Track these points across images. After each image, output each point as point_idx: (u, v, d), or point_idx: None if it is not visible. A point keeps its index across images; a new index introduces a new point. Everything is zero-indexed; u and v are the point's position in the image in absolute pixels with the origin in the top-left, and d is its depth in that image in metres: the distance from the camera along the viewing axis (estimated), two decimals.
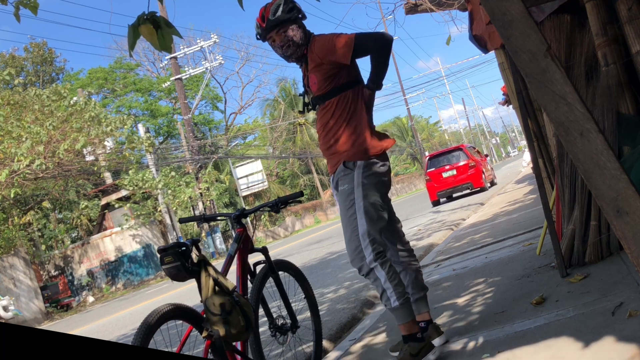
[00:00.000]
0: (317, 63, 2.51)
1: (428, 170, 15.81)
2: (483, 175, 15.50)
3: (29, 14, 3.08)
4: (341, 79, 2.53)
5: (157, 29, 2.23)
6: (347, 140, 2.50)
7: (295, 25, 2.57)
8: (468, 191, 15.89)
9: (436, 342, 2.53)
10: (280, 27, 2.55)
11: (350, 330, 3.62)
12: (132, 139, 19.91)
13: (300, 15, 2.60)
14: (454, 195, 16.18)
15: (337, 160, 2.53)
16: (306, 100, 2.68)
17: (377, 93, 2.67)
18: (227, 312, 2.23)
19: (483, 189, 15.38)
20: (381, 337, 3.04)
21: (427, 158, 16.96)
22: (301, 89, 2.80)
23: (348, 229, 2.44)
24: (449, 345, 2.52)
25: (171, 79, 24.89)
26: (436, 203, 15.49)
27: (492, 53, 4.40)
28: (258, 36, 2.64)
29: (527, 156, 17.33)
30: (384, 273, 2.37)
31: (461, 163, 15.43)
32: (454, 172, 15.35)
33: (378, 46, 2.44)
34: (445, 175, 15.42)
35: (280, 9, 2.54)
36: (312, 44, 2.54)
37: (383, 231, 2.50)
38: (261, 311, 2.62)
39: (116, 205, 21.46)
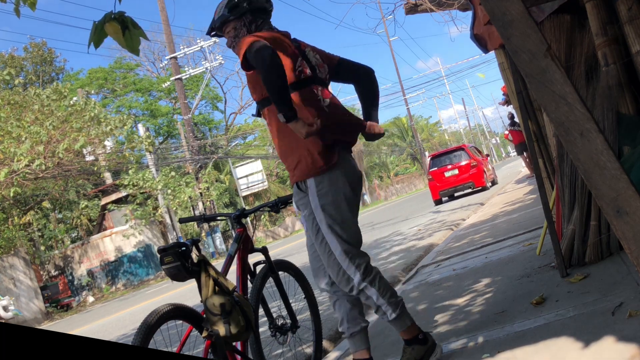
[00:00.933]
0: None
1: (430, 170, 16.04)
2: (484, 175, 15.73)
3: (29, 12, 3.08)
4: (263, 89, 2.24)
5: (124, 30, 2.19)
6: (291, 156, 2.24)
7: (235, 24, 2.37)
8: (470, 190, 16.04)
9: None
10: (225, 25, 2.40)
11: None
12: (132, 138, 19.92)
13: (249, 13, 2.35)
14: (456, 194, 16.37)
15: (291, 180, 2.31)
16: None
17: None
18: (227, 312, 2.23)
19: (484, 188, 15.56)
20: (381, 338, 3.04)
21: (430, 158, 17.23)
22: None
23: (324, 255, 2.26)
24: (449, 345, 2.52)
25: (171, 79, 24.89)
26: (438, 202, 15.65)
27: (492, 53, 4.40)
28: None
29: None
30: (375, 290, 2.23)
31: (463, 163, 15.68)
32: (456, 171, 15.60)
33: (257, 64, 2.08)
34: (447, 174, 15.65)
35: (224, 6, 2.38)
36: None
37: (359, 243, 2.30)
38: (261, 311, 2.62)
39: (113, 208, 21.44)
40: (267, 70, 2.00)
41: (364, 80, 2.43)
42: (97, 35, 2.18)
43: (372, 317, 3.42)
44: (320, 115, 2.19)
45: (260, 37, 2.15)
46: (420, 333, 2.32)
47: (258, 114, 2.41)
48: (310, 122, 2.08)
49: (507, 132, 14.19)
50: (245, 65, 2.17)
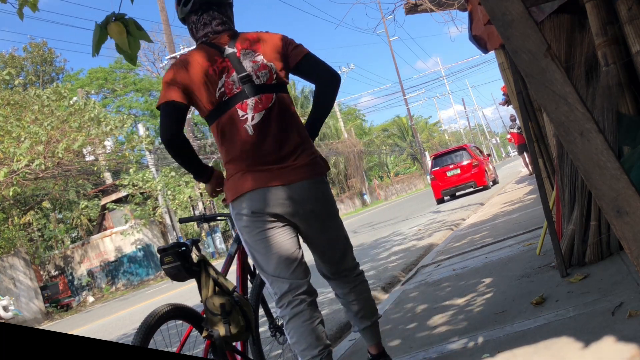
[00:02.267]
0: None
1: (433, 170, 16.25)
2: (486, 174, 15.91)
3: (30, 12, 3.06)
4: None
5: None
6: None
7: None
8: (472, 189, 16.13)
9: None
10: None
11: (350, 330, 3.62)
12: (132, 138, 19.92)
13: (184, 22, 2.24)
14: (458, 193, 16.47)
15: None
16: None
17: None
18: (227, 312, 2.23)
19: (486, 188, 15.72)
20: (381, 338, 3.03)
21: (432, 157, 17.50)
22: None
23: None
24: (449, 345, 2.52)
25: None
26: (440, 201, 15.82)
27: (492, 53, 4.40)
28: None
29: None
30: (287, 333, 2.09)
31: (465, 162, 15.89)
32: (458, 171, 15.81)
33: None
34: (449, 174, 15.84)
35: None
36: None
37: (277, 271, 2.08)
38: (261, 311, 2.62)
39: (114, 207, 21.44)
40: (177, 162, 2.14)
41: (323, 84, 2.18)
42: (99, 39, 2.06)
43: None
44: (237, 146, 2.06)
45: (170, 81, 2.06)
46: None
47: None
48: (212, 194, 2.30)
49: (509, 136, 14.40)
50: None
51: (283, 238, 2.07)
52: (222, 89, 2.05)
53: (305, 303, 2.05)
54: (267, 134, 2.05)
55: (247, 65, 2.09)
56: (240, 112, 2.05)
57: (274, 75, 2.11)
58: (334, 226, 2.20)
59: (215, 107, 2.06)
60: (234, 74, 2.06)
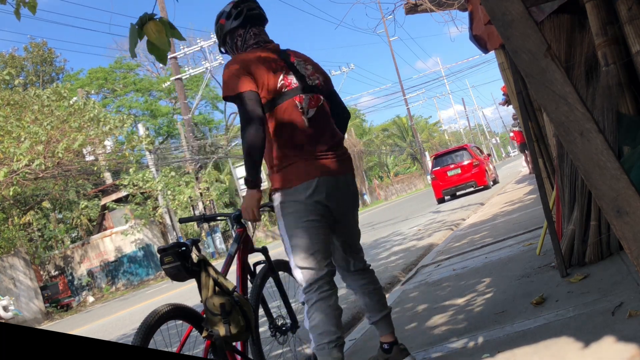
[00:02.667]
0: None
1: (434, 169, 16.31)
2: (486, 174, 15.99)
3: (29, 13, 3.07)
4: None
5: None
6: (270, 169, 2.31)
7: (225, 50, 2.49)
8: (472, 189, 16.17)
9: None
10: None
11: (350, 330, 3.62)
12: (132, 138, 19.93)
13: (226, 36, 2.43)
14: (459, 193, 16.51)
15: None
16: None
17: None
18: (227, 312, 2.23)
19: (486, 187, 15.78)
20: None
21: (433, 157, 17.59)
22: None
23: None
24: (449, 345, 2.52)
25: (171, 79, 24.89)
26: (441, 200, 15.87)
27: (492, 53, 4.40)
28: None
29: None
30: (306, 315, 2.22)
31: (465, 162, 15.96)
32: (459, 170, 15.89)
33: (241, 127, 2.19)
34: (450, 173, 15.92)
35: (220, 38, 2.48)
36: None
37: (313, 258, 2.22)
38: (261, 311, 2.62)
39: (114, 207, 21.44)
40: (248, 146, 2.12)
41: (340, 119, 2.46)
42: (135, 39, 2.11)
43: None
44: (297, 134, 2.23)
45: (241, 73, 2.20)
46: None
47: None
48: (253, 216, 2.23)
49: (512, 134, 14.45)
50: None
51: (326, 230, 2.23)
52: (282, 82, 2.25)
53: (332, 291, 2.21)
54: (320, 128, 2.27)
55: (301, 69, 2.35)
56: (298, 104, 2.26)
57: (322, 83, 2.37)
58: (357, 219, 2.44)
59: (277, 95, 2.23)
60: (291, 72, 2.30)
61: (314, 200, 2.17)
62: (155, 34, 2.11)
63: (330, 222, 2.25)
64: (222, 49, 2.52)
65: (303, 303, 2.23)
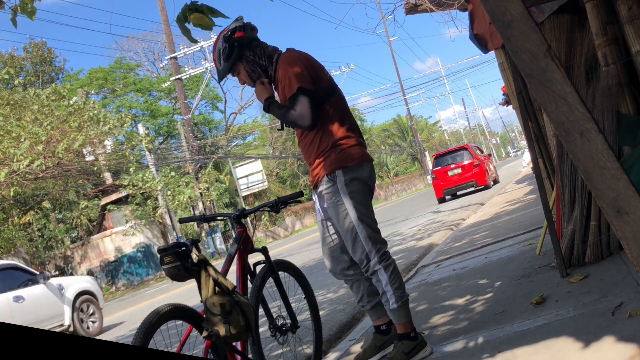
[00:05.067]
0: (281, 87, 2.50)
1: (434, 169, 16.38)
2: (487, 174, 16.04)
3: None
4: None
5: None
6: (325, 152, 2.49)
7: (243, 65, 2.55)
8: (473, 189, 16.19)
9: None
10: (232, 71, 2.58)
11: (350, 331, 3.62)
12: (132, 137, 19.91)
13: (245, 49, 2.53)
14: (459, 192, 16.54)
15: (317, 173, 2.53)
16: None
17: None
18: (227, 312, 2.23)
19: (487, 187, 15.81)
20: None
21: (434, 157, 17.70)
22: None
23: (350, 238, 2.49)
24: (449, 345, 2.52)
25: (171, 79, 24.89)
26: (442, 200, 15.93)
27: (492, 53, 4.40)
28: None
29: (527, 156, 17.60)
30: (386, 276, 2.46)
31: (466, 162, 16.03)
32: (459, 170, 15.97)
33: (289, 120, 2.45)
34: (451, 173, 15.99)
35: (221, 57, 2.53)
36: (277, 66, 2.51)
37: (379, 230, 2.56)
38: (261, 311, 2.62)
39: (113, 208, 21.43)
40: (288, 121, 2.46)
41: None
42: (184, 28, 2.47)
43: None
44: (352, 120, 2.57)
45: (307, 73, 2.45)
46: (413, 331, 2.50)
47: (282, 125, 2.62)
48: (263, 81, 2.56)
49: None
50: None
51: None
52: (329, 77, 2.56)
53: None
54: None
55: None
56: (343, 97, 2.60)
57: None
58: None
59: (330, 88, 2.51)
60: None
61: (372, 181, 2.52)
62: (199, 20, 2.47)
63: None
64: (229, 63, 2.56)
65: (375, 272, 2.48)
